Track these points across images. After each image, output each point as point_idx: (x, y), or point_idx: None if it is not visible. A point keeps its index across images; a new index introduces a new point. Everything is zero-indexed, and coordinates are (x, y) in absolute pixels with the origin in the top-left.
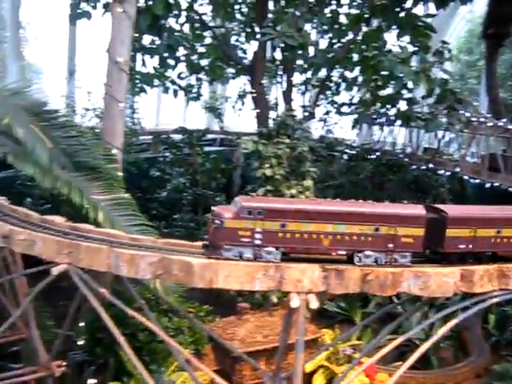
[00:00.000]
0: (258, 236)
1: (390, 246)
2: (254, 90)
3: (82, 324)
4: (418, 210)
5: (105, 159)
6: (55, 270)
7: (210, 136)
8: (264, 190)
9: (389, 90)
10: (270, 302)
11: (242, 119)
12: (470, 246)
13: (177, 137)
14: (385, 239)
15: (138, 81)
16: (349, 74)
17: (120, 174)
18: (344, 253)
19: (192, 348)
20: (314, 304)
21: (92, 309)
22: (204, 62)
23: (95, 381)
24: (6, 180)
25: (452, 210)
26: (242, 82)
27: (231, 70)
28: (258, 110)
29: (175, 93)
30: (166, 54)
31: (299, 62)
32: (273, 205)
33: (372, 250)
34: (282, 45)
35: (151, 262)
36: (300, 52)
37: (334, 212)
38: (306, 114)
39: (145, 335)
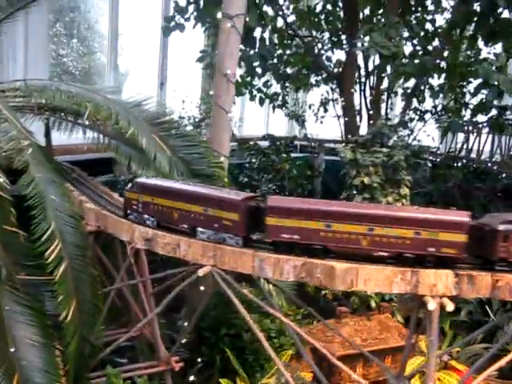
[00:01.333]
0: (139, 205)
1: None
2: (342, 99)
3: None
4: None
5: (216, 167)
6: (201, 272)
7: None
8: (361, 198)
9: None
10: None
11: (319, 126)
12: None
13: (262, 143)
14: None
15: None
16: (433, 81)
17: (226, 180)
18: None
19: (293, 349)
20: (450, 307)
21: (196, 309)
22: (290, 71)
23: (194, 378)
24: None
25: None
26: (325, 90)
27: (317, 78)
28: (347, 119)
29: (261, 101)
30: (255, 64)
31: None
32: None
33: None
34: (376, 55)
35: (295, 266)
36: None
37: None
38: (396, 122)
39: (248, 335)
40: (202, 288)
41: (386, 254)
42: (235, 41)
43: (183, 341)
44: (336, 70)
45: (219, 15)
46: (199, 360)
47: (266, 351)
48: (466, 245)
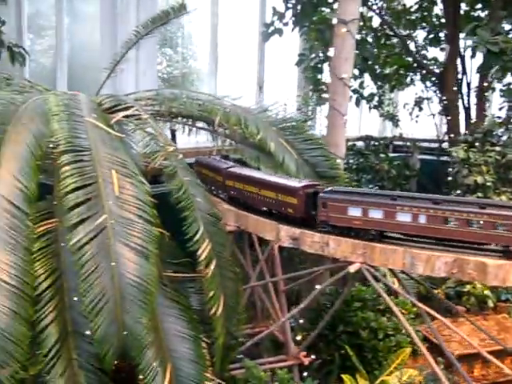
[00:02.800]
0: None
1: None
2: (443, 97)
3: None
4: None
5: (336, 168)
6: (352, 268)
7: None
8: (475, 197)
9: None
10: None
11: (412, 125)
12: None
13: (359, 144)
14: None
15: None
16: None
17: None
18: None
19: (410, 347)
20: None
21: (313, 307)
22: (387, 71)
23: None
24: None
25: None
26: (419, 89)
27: (413, 77)
28: (449, 117)
29: (357, 102)
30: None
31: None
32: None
33: None
34: (484, 51)
35: (446, 262)
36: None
37: None
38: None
39: (366, 333)
40: (317, 286)
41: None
42: (350, 45)
43: (298, 338)
44: (436, 68)
45: (334, 21)
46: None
47: (384, 349)
48: (299, 207)
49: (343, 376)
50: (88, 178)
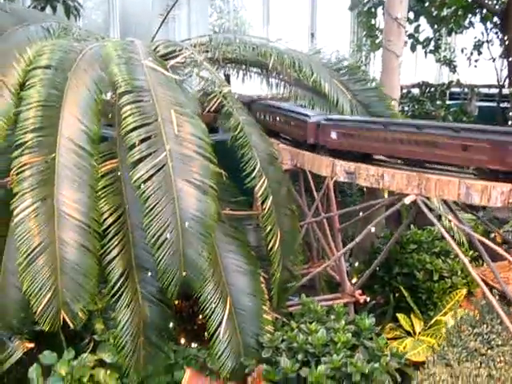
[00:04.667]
0: None
1: None
2: (505, 38)
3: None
4: None
5: (391, 109)
6: (407, 200)
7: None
8: None
9: None
10: None
11: (470, 71)
12: None
13: (414, 91)
14: None
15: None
16: None
17: None
18: None
19: (465, 289)
20: None
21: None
22: (444, 12)
23: None
24: None
25: None
26: (479, 32)
27: (472, 19)
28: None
29: (413, 47)
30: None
31: None
32: None
33: None
34: None
35: (503, 192)
36: None
37: None
38: None
39: (421, 275)
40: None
41: None
42: None
43: (353, 280)
44: (498, 7)
45: None
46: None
47: (439, 291)
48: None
49: (398, 315)
50: (148, 117)
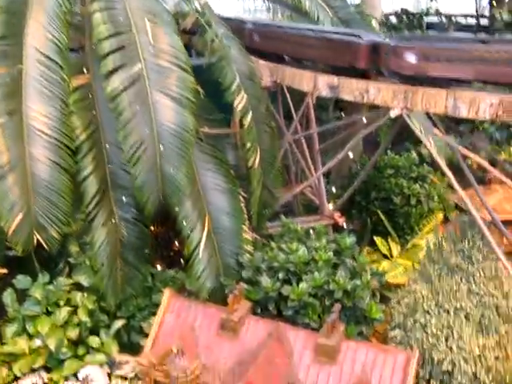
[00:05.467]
0: None
1: None
2: None
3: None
4: None
5: (371, 28)
6: (392, 114)
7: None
8: None
9: None
10: None
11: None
12: None
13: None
14: None
15: None
16: None
17: None
18: None
19: (442, 214)
20: None
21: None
22: None
23: None
24: None
25: None
26: None
27: None
28: None
29: None
30: None
31: None
32: None
33: None
34: None
35: (492, 103)
36: None
37: None
38: None
39: (399, 199)
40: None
41: None
42: None
43: (331, 205)
44: None
45: None
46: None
47: (416, 215)
48: None
49: (375, 239)
50: (121, 26)
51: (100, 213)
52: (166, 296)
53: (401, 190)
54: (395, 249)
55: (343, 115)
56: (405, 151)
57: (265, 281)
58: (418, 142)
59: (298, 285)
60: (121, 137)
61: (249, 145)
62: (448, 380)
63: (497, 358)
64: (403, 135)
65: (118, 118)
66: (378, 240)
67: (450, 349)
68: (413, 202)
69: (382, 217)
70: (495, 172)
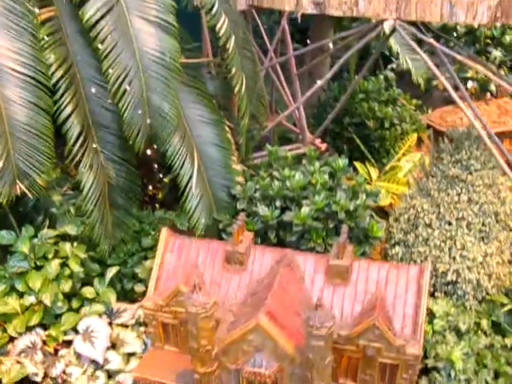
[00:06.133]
0: None
1: None
2: None
3: None
4: None
5: None
6: (386, 26)
7: None
8: None
9: None
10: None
11: None
12: None
13: None
14: None
15: None
16: None
17: None
18: None
19: (415, 135)
20: None
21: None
22: None
23: None
24: None
25: None
26: None
27: None
28: None
29: None
30: None
31: None
32: None
33: None
34: None
35: (489, 6)
36: None
37: None
38: None
39: (372, 123)
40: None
41: None
42: None
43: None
44: None
45: None
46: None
47: (391, 139)
48: None
49: (355, 164)
50: None
51: (85, 155)
52: (164, 235)
53: (373, 113)
54: (374, 172)
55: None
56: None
57: (262, 210)
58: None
59: (299, 210)
60: (104, 69)
61: (234, 70)
62: (452, 290)
63: (498, 264)
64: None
65: (98, 50)
66: (357, 165)
67: (454, 259)
68: (386, 125)
69: (358, 142)
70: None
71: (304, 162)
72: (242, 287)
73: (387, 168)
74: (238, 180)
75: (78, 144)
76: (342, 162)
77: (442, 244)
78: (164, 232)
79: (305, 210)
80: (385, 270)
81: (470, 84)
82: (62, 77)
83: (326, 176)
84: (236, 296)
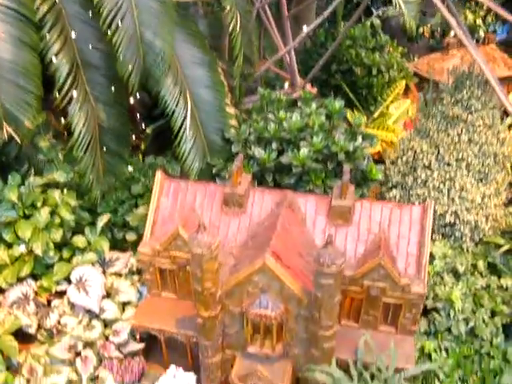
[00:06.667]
0: None
1: None
2: None
3: None
4: None
5: None
6: None
7: None
8: None
9: None
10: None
11: None
12: None
13: None
14: None
15: None
16: None
17: None
18: None
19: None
20: None
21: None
22: None
23: None
24: None
25: None
26: None
27: None
28: None
29: None
30: None
31: None
32: None
33: None
34: None
35: None
36: None
37: None
38: None
39: (360, 70)
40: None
41: None
42: None
43: None
44: None
45: None
46: None
47: (379, 85)
48: None
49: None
50: None
51: (75, 95)
52: (158, 179)
53: (361, 60)
54: (363, 119)
55: None
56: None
57: (258, 153)
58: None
59: (298, 152)
60: (95, 2)
61: (228, 7)
62: (450, 232)
63: (495, 206)
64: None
65: None
66: (347, 112)
67: (453, 200)
68: (374, 72)
69: (346, 89)
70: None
71: (299, 104)
72: (241, 230)
73: (376, 115)
74: (232, 123)
75: (67, 84)
76: (338, 104)
77: (441, 185)
78: (159, 176)
79: (304, 151)
80: (388, 210)
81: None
82: (47, 11)
83: (323, 118)
84: (236, 239)
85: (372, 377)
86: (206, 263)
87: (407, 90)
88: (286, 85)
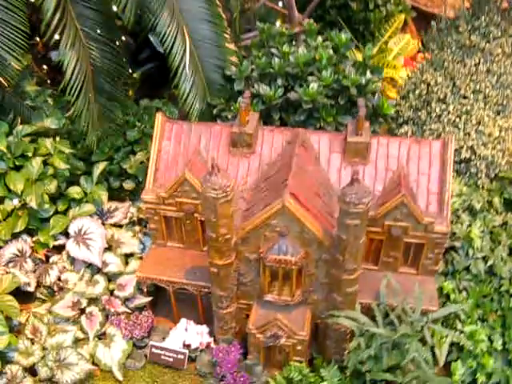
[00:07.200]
0: None
1: None
2: None
3: None
4: None
5: None
6: None
7: None
8: None
9: None
10: None
11: None
12: None
13: None
14: None
15: None
16: None
17: None
18: None
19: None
20: None
21: None
22: None
23: None
24: None
25: None
26: None
27: None
28: None
29: None
30: None
31: None
32: None
33: None
34: None
35: None
36: None
37: None
38: None
39: (356, 5)
40: None
41: None
42: None
43: None
44: None
45: None
46: None
47: (375, 21)
48: None
49: None
50: None
51: (65, 32)
52: (159, 122)
53: None
54: (360, 56)
55: None
56: None
57: (263, 90)
58: None
59: (307, 87)
60: None
61: None
62: (464, 169)
63: None
64: None
65: None
66: None
67: (469, 135)
68: (371, 6)
69: (343, 24)
70: None
71: (303, 37)
72: (251, 172)
73: (374, 51)
74: (232, 60)
75: (54, 21)
76: (345, 36)
77: (457, 119)
78: (159, 118)
79: (313, 86)
80: (406, 146)
81: None
82: None
83: (331, 50)
84: (246, 181)
85: (399, 320)
86: (221, 207)
87: (405, 25)
88: (278, 23)
